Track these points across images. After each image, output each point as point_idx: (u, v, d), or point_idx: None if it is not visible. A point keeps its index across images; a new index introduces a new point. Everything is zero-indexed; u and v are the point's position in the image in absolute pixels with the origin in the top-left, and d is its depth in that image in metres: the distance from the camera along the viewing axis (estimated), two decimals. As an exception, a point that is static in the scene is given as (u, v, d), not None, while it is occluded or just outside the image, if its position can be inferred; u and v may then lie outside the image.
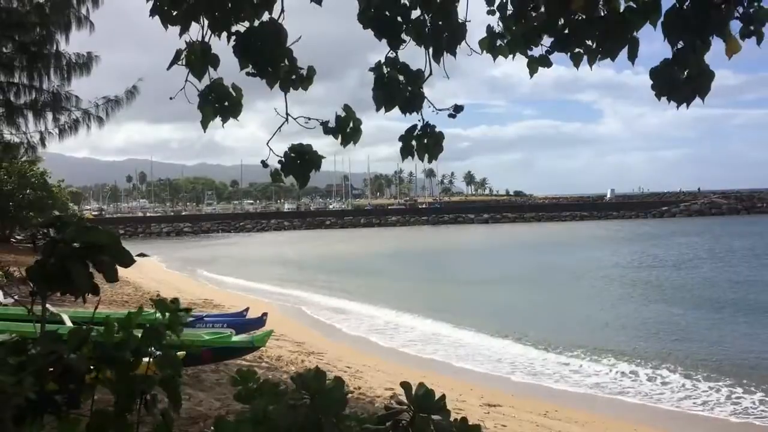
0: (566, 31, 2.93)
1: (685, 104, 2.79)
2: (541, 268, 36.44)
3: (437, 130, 3.19)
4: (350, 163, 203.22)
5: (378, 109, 3.09)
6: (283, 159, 3.06)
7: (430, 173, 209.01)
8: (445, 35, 3.02)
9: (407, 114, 3.12)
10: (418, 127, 3.18)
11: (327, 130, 3.08)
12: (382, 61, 3.07)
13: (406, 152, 3.20)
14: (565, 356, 15.26)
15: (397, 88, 3.07)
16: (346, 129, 3.10)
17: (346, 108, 3.10)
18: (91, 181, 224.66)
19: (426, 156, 3.21)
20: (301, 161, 3.06)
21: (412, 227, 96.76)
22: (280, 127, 3.08)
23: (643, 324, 19.97)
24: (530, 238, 64.99)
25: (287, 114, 3.04)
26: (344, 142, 3.11)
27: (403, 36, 3.04)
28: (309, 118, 3.05)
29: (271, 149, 3.05)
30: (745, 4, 2.63)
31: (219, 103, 3.02)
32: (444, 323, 19.43)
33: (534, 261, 41.32)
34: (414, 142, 3.19)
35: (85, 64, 16.46)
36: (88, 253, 1.73)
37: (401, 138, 3.20)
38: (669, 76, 2.75)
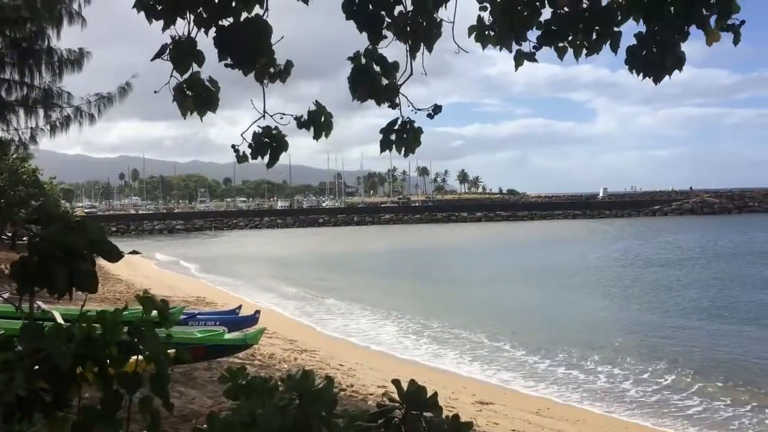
0: (553, 27, 3.02)
1: (652, 77, 2.97)
2: (533, 268, 36.56)
3: (416, 125, 3.28)
4: (343, 162, 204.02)
5: (354, 96, 3.13)
6: (252, 142, 3.12)
7: (423, 171, 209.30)
8: (423, 30, 3.07)
9: (381, 105, 3.19)
10: (398, 122, 3.26)
11: (300, 124, 3.15)
12: (360, 51, 3.10)
13: (385, 145, 3.30)
14: (557, 355, 15.30)
15: (373, 79, 3.12)
16: (317, 123, 3.14)
17: (317, 103, 3.17)
18: (83, 179, 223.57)
19: (403, 149, 3.30)
20: (269, 143, 3.15)
21: (405, 225, 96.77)
22: (255, 122, 3.14)
23: (636, 324, 20.09)
24: (523, 236, 65.15)
25: (264, 110, 3.09)
26: (316, 136, 3.18)
27: (385, 33, 3.08)
28: (284, 114, 3.09)
29: (244, 139, 3.14)
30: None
31: (196, 97, 3.03)
32: (436, 321, 19.44)
33: (526, 260, 41.45)
34: (393, 136, 3.28)
35: (76, 60, 16.35)
36: (69, 255, 1.71)
37: (382, 131, 3.29)
38: (642, 53, 2.93)
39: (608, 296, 25.67)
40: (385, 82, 3.14)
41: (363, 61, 3.10)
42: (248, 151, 3.16)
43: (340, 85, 3.21)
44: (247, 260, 45.01)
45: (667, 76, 2.96)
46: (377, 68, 3.12)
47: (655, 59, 2.90)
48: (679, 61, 2.91)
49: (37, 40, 15.73)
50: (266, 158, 3.18)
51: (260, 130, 3.13)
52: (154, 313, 2.06)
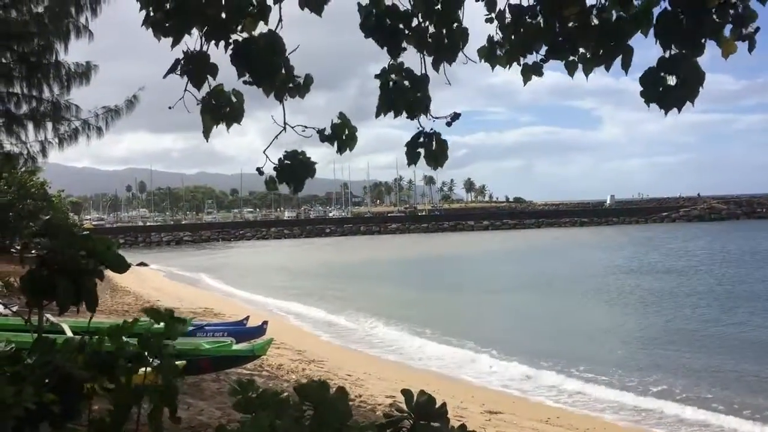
0: (560, 39, 2.95)
1: (676, 109, 2.78)
2: (542, 276, 36.39)
3: (442, 137, 3.20)
4: (350, 171, 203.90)
5: (380, 115, 3.10)
6: (278, 166, 3.07)
7: (429, 180, 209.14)
8: (446, 43, 3.04)
9: (413, 118, 3.15)
10: (423, 134, 3.19)
11: (323, 137, 3.10)
12: (387, 67, 3.08)
13: (412, 159, 3.21)
14: (566, 363, 15.21)
15: (402, 94, 3.09)
16: (341, 136, 3.12)
17: (341, 116, 3.13)
18: (91, 191, 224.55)
19: (433, 164, 3.23)
20: (295, 168, 3.09)
21: (412, 234, 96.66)
22: (277, 136, 3.10)
23: (645, 334, 19.99)
24: (531, 244, 64.96)
25: (285, 123, 3.06)
26: (340, 150, 3.14)
27: (403, 44, 3.06)
28: (306, 127, 3.06)
29: (267, 157, 3.08)
30: (739, 8, 2.65)
31: (221, 110, 3.02)
32: (442, 329, 19.37)
33: (535, 268, 41.29)
34: (421, 150, 3.21)
35: (84, 73, 16.45)
36: (76, 270, 1.72)
37: (407, 144, 3.21)
38: (657, 82, 2.76)
39: (618, 305, 25.53)
40: (417, 94, 3.09)
41: (391, 77, 3.07)
42: (273, 172, 3.10)
43: (347, 95, 3.19)
44: (255, 271, 45.03)
45: (689, 103, 2.75)
46: (406, 83, 3.08)
47: (674, 88, 2.72)
48: (697, 84, 2.72)
49: (45, 54, 15.85)
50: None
51: (285, 154, 3.07)
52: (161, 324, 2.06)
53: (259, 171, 3.11)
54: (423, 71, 3.11)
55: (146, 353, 1.87)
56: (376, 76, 3.10)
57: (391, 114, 3.15)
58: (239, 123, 3.08)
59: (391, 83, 3.10)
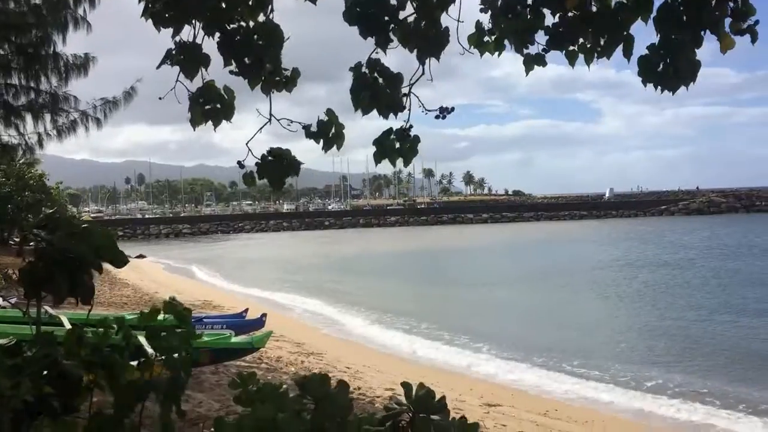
0: (561, 29, 2.93)
1: (670, 91, 2.81)
2: (538, 269, 36.46)
3: (413, 133, 3.03)
4: (349, 164, 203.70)
5: (356, 110, 2.98)
6: (260, 161, 2.97)
7: (428, 173, 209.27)
8: (430, 37, 2.97)
9: (386, 117, 3.00)
10: (394, 131, 3.03)
11: (309, 134, 2.97)
12: (363, 62, 2.97)
13: (379, 156, 3.04)
14: (564, 356, 15.25)
15: (376, 91, 2.97)
16: (328, 134, 3.00)
17: (329, 112, 3.01)
18: (89, 183, 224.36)
19: (400, 160, 3.06)
20: (278, 165, 2.98)
21: (411, 227, 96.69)
22: (261, 129, 3.01)
23: (639, 327, 20.03)
24: (529, 238, 65.03)
25: (270, 115, 2.99)
26: (326, 147, 3.01)
27: (392, 36, 2.97)
28: (291, 121, 2.99)
29: (249, 150, 2.96)
30: (739, 1, 2.65)
31: (210, 106, 2.96)
32: (442, 324, 19.40)
33: (533, 262, 41.42)
34: (390, 145, 3.04)
35: (82, 64, 16.42)
36: (74, 259, 1.71)
37: (375, 142, 3.03)
38: (656, 64, 2.77)
39: (613, 298, 25.59)
40: (387, 91, 2.95)
41: (365, 71, 2.95)
42: (254, 168, 2.98)
43: (347, 88, 3.03)
44: (254, 263, 45.06)
45: (683, 87, 2.78)
46: (380, 80, 2.95)
47: (670, 70, 2.75)
48: (694, 70, 2.76)
49: (43, 46, 15.81)
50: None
51: (269, 150, 2.95)
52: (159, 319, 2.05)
53: (240, 164, 3.00)
54: (418, 64, 3.02)
55: (148, 347, 1.86)
56: (350, 70, 2.96)
57: (391, 115, 3.05)
58: (229, 121, 3.00)
59: (367, 79, 2.96)
